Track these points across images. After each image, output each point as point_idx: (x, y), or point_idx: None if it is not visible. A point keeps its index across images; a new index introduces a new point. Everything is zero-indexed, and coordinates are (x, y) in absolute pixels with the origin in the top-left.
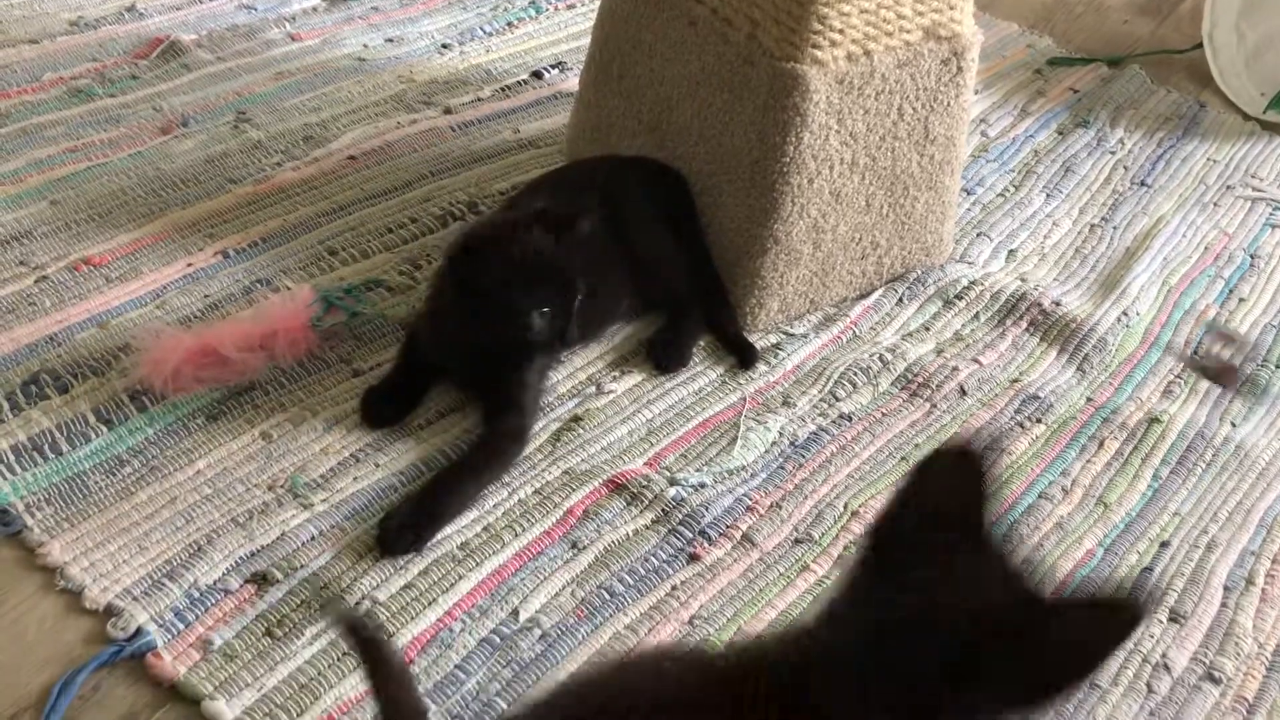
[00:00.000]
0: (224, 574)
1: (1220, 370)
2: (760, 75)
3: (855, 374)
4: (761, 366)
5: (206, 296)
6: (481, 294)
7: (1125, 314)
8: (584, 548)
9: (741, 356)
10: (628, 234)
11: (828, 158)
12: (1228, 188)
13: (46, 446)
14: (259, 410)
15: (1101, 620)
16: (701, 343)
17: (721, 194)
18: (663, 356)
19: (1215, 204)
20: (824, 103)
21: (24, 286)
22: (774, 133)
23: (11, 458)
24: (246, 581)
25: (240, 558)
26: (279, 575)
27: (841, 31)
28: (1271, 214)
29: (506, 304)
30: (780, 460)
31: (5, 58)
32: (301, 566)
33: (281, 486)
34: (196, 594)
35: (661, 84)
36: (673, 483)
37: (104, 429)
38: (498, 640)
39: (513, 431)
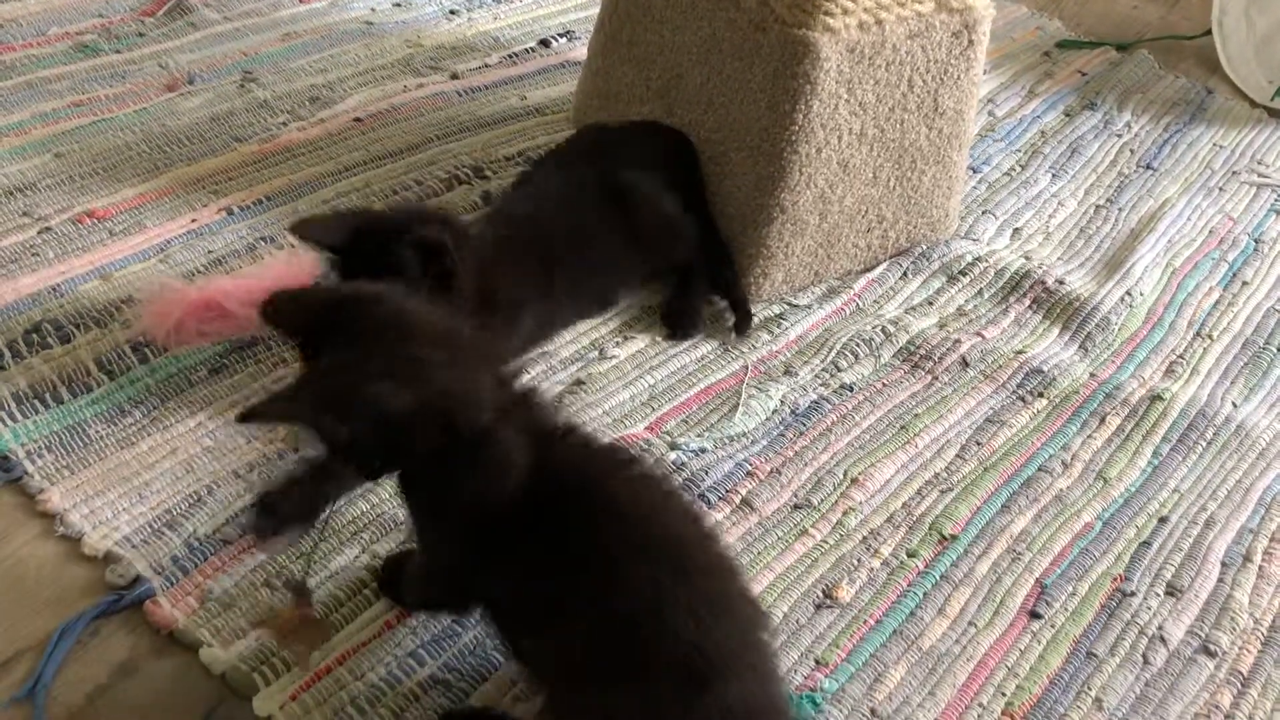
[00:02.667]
0: (223, 524)
1: None
2: (771, 42)
3: (857, 345)
4: (764, 335)
5: (210, 252)
6: None
7: (1129, 294)
8: None
9: (739, 321)
10: (639, 203)
11: (836, 127)
12: (1233, 173)
13: (48, 394)
14: (261, 365)
15: None
16: (704, 312)
17: (729, 162)
18: (678, 323)
19: (1220, 189)
20: (834, 71)
21: (27, 237)
22: (784, 100)
23: (12, 405)
24: (246, 532)
25: (240, 509)
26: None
27: None
28: (1276, 200)
29: None
30: (781, 428)
31: (11, 11)
32: (301, 519)
33: (282, 440)
34: (195, 543)
35: (671, 51)
36: (673, 447)
37: (105, 379)
38: None
39: None
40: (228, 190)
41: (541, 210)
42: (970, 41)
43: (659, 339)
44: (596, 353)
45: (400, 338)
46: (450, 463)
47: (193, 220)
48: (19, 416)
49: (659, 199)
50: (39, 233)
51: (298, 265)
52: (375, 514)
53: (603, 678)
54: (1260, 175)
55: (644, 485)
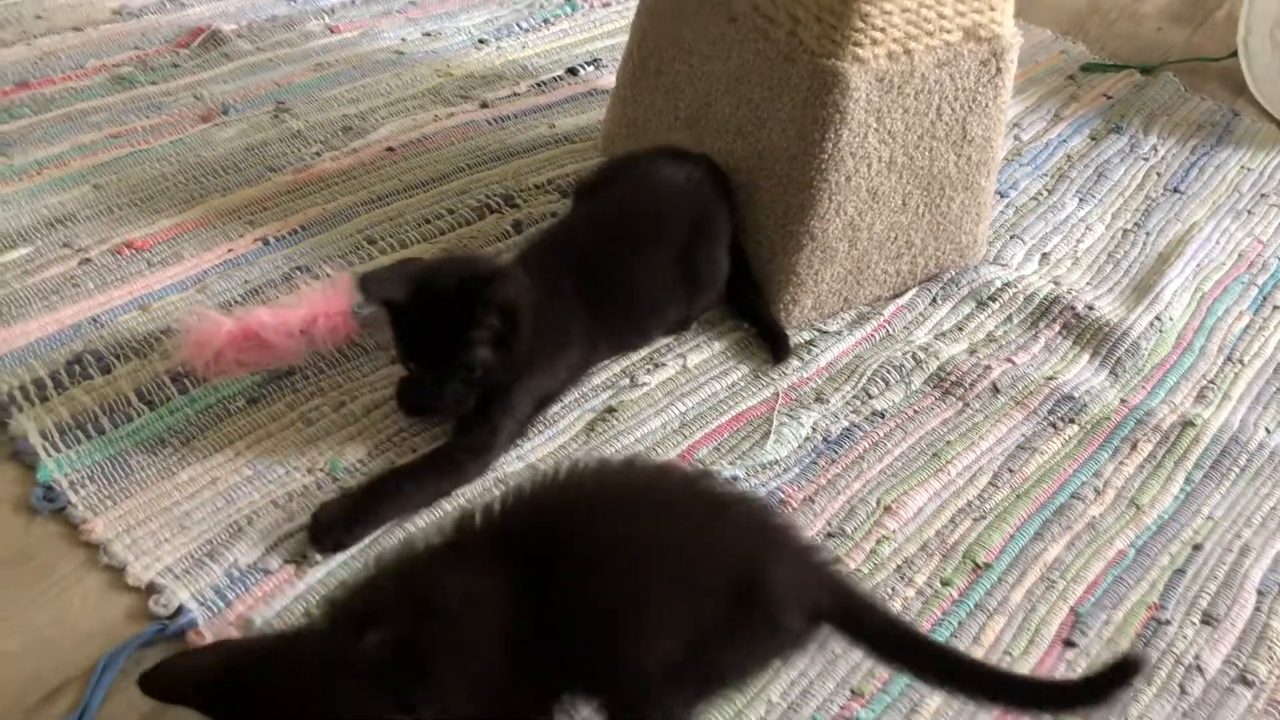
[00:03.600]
0: (264, 554)
1: None
2: (801, 72)
3: (888, 372)
4: (795, 362)
5: (247, 282)
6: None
7: (1158, 319)
8: None
9: (775, 347)
10: (684, 247)
11: (866, 155)
12: (1261, 196)
13: (89, 425)
14: (299, 394)
15: None
16: (734, 338)
17: (758, 190)
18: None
19: (1249, 211)
20: (864, 100)
21: (68, 268)
22: (813, 129)
23: (55, 435)
24: (287, 562)
25: (279, 538)
26: (318, 556)
27: (883, 30)
28: None
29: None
30: (813, 455)
31: (50, 45)
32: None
33: (321, 469)
34: (237, 573)
35: (700, 80)
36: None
37: (146, 409)
38: None
39: (475, 447)
40: (263, 220)
41: (584, 250)
42: (998, 69)
43: (688, 366)
44: (627, 380)
45: None
46: None
47: (229, 250)
48: (62, 447)
49: (714, 242)
50: (79, 264)
51: (334, 295)
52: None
53: None
54: None
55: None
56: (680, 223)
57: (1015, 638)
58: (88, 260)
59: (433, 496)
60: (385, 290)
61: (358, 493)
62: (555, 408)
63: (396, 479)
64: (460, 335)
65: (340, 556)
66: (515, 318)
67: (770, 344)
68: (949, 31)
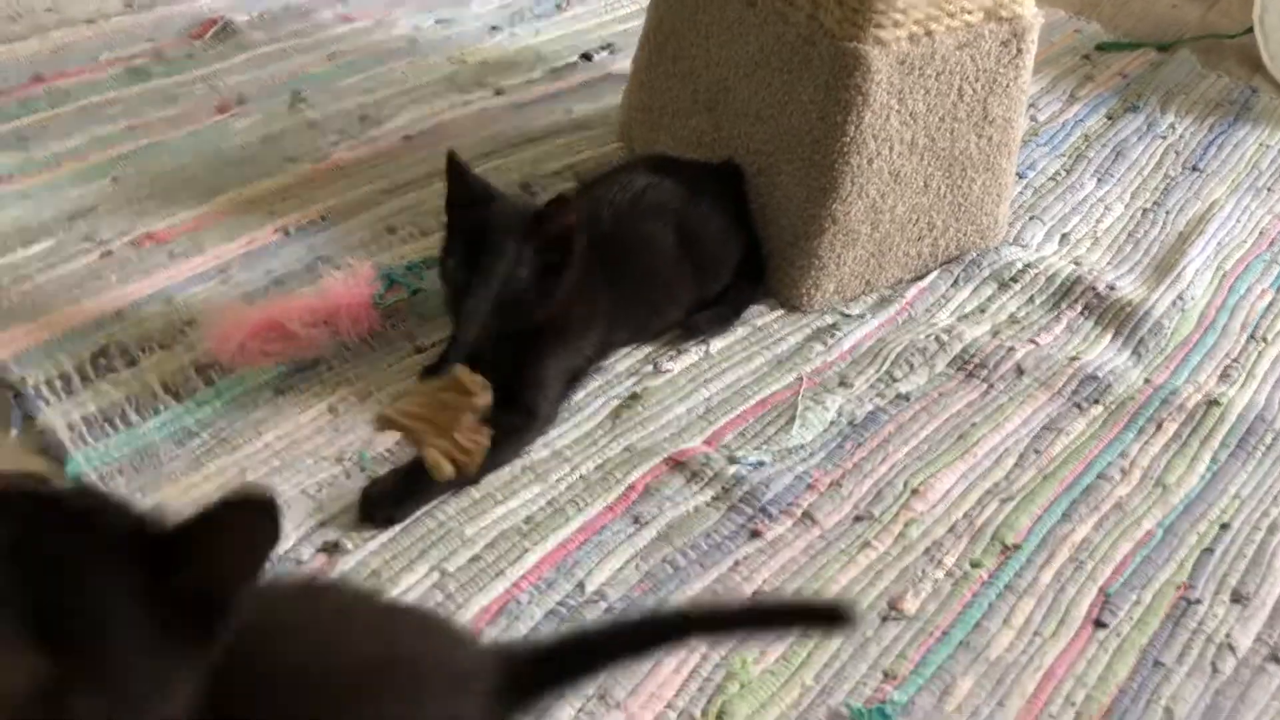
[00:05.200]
0: (295, 543)
1: None
2: (821, 55)
3: (912, 355)
4: (818, 346)
5: (269, 273)
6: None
7: (1180, 298)
8: (646, 523)
9: (717, 318)
10: (696, 243)
11: (888, 138)
12: None
13: (117, 418)
14: (325, 385)
15: None
16: (757, 324)
17: (779, 174)
18: (699, 324)
19: (1269, 189)
20: (885, 83)
21: (90, 261)
22: (835, 112)
23: (83, 428)
24: (318, 551)
25: (311, 528)
26: (349, 545)
27: (904, 12)
28: None
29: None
30: (839, 439)
31: (64, 38)
32: (373, 537)
33: (349, 460)
34: (270, 563)
35: (718, 65)
36: (732, 461)
37: (172, 401)
38: (564, 612)
39: (513, 427)
40: (283, 211)
41: (604, 235)
42: (1019, 50)
43: (711, 352)
44: (650, 367)
45: None
46: None
47: (250, 241)
48: (90, 440)
49: (723, 229)
50: (101, 256)
51: (356, 285)
52: (444, 531)
53: None
54: None
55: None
56: (685, 205)
57: (1045, 619)
58: (109, 253)
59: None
60: (465, 183)
61: (405, 469)
62: (579, 395)
63: None
64: (512, 248)
65: (372, 545)
66: (570, 245)
67: (716, 313)
68: (970, 12)
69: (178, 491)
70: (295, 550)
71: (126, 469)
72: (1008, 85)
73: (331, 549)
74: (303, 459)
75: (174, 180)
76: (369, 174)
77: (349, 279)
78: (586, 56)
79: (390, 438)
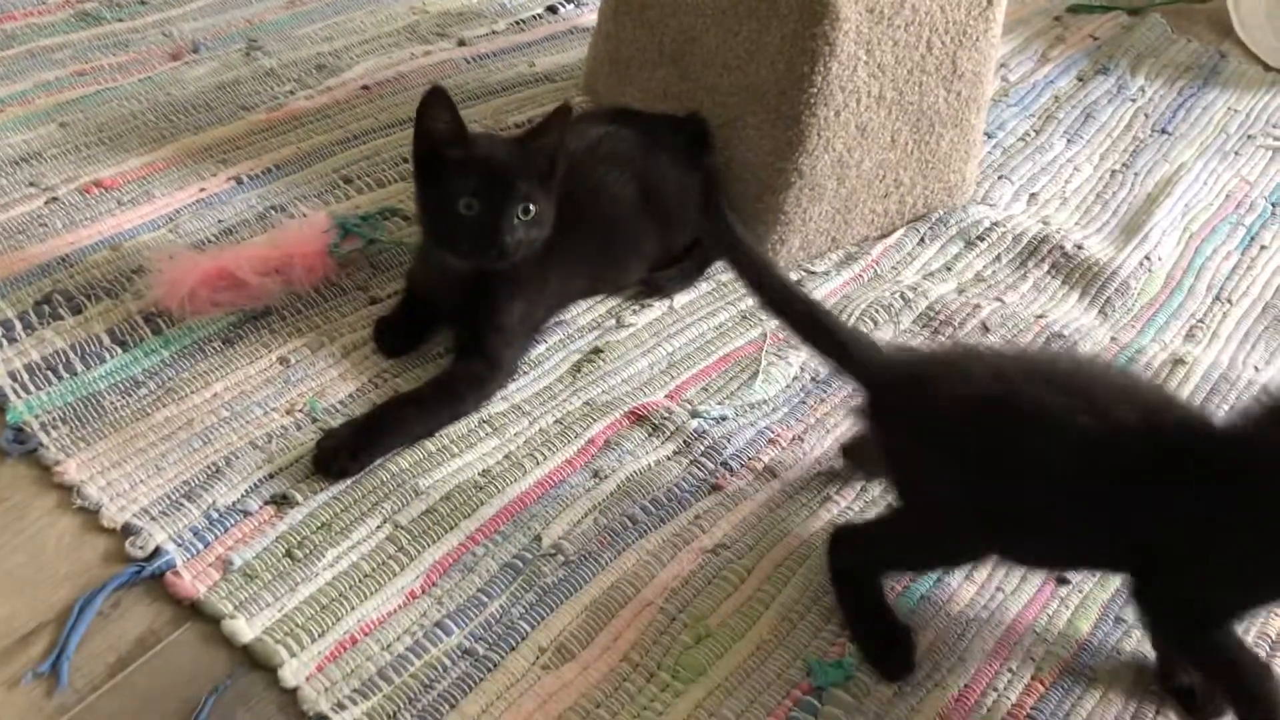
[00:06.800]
0: (243, 495)
1: None
2: (789, 2)
3: (877, 311)
4: None
5: (220, 221)
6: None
7: (1147, 259)
8: (606, 476)
9: (680, 275)
10: (657, 195)
11: (855, 90)
12: (1248, 137)
13: (60, 366)
14: (276, 335)
15: None
16: (721, 279)
17: (745, 127)
18: (659, 282)
19: (1236, 153)
20: (853, 32)
21: (34, 207)
22: (802, 62)
23: (25, 376)
24: (266, 503)
25: (259, 479)
26: (299, 498)
27: None
28: None
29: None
30: (801, 395)
31: None
32: (323, 489)
33: (300, 410)
34: (215, 515)
35: (685, 13)
36: (694, 415)
37: (119, 350)
38: (520, 565)
39: (474, 376)
40: (236, 159)
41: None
42: (989, 2)
43: (675, 307)
44: (614, 320)
45: None
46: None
47: (201, 190)
48: (32, 388)
49: (683, 181)
50: (46, 203)
51: (309, 233)
52: (397, 483)
53: None
54: (1275, 139)
55: None
56: (643, 155)
57: (1008, 575)
58: (55, 199)
59: (435, 425)
60: (461, 125)
61: (362, 420)
62: (540, 348)
63: (400, 407)
64: (533, 172)
65: (322, 498)
66: (555, 158)
67: (674, 271)
68: None
69: (121, 441)
70: (243, 501)
71: (70, 418)
72: (977, 39)
73: (280, 501)
74: (252, 409)
75: (124, 127)
76: (325, 124)
77: (304, 228)
78: (552, 9)
79: (342, 389)
